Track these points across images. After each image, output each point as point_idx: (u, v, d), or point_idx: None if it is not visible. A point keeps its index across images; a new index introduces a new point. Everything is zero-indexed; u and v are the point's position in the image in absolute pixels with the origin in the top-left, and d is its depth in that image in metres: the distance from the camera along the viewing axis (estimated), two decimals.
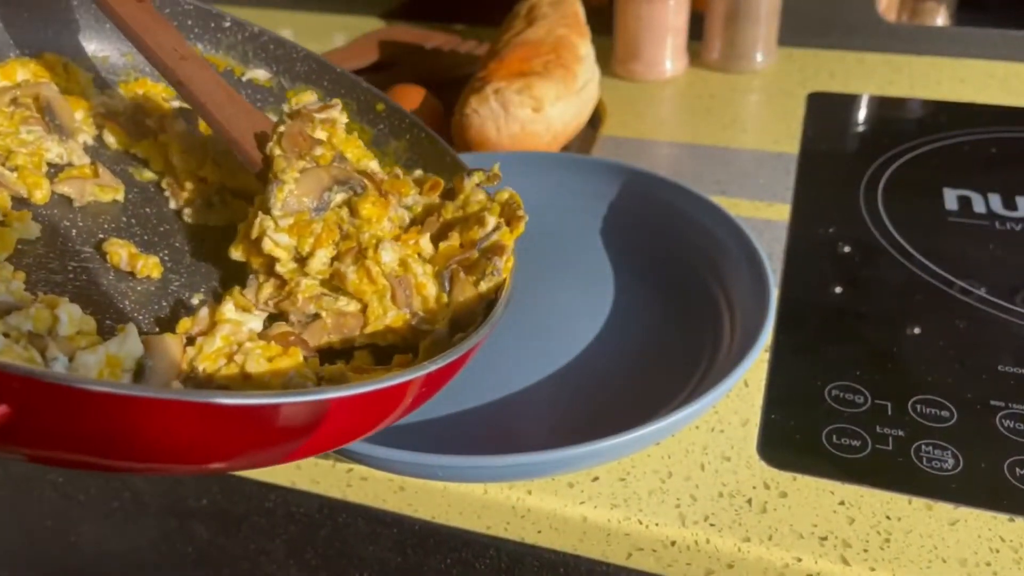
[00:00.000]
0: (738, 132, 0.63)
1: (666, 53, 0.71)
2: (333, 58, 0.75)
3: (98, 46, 0.44)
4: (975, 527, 0.33)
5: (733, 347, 0.39)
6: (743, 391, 0.40)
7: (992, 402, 0.38)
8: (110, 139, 0.41)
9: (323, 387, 0.30)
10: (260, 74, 0.46)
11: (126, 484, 0.49)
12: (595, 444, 0.32)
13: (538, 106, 0.55)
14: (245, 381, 0.31)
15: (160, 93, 0.44)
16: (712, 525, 0.34)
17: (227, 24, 0.46)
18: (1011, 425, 0.37)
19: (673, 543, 0.34)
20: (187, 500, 0.47)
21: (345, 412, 0.27)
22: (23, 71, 0.41)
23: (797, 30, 0.75)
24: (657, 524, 0.34)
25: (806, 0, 0.74)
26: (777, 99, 0.68)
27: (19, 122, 0.39)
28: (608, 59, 0.72)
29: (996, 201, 0.53)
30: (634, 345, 0.42)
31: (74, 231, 0.37)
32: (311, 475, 0.39)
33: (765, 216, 0.53)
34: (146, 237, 0.38)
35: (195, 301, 0.36)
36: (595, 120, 0.66)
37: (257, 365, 0.32)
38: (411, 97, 0.59)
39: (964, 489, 0.34)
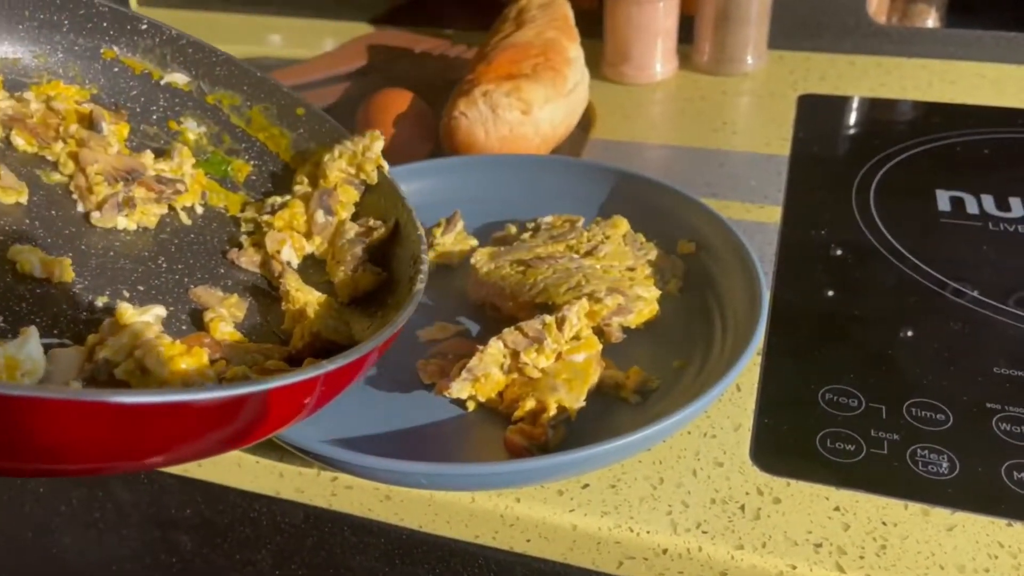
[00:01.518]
0: (729, 134, 0.63)
1: (656, 56, 0.70)
2: (322, 63, 0.75)
3: (9, 48, 0.43)
4: (972, 532, 0.32)
5: (725, 350, 0.39)
6: (735, 395, 0.39)
7: (988, 405, 0.38)
8: (18, 141, 0.41)
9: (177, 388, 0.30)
10: (179, 78, 0.46)
11: (108, 494, 0.48)
12: (584, 450, 0.32)
13: (527, 109, 0.55)
14: (143, 376, 0.31)
15: (73, 96, 0.43)
16: (705, 532, 0.33)
17: (144, 27, 0.45)
18: (1008, 428, 0.36)
19: (665, 551, 0.33)
20: (170, 510, 0.46)
21: (209, 413, 0.26)
22: None
23: (787, 32, 0.74)
24: (648, 532, 0.33)
25: (796, 3, 0.73)
26: (768, 101, 0.67)
27: None
28: (598, 62, 0.72)
29: (989, 202, 0.53)
30: (624, 348, 0.41)
31: None
32: (295, 484, 0.39)
33: (756, 218, 0.52)
34: (50, 240, 0.37)
35: (99, 304, 0.35)
36: (585, 123, 0.66)
37: (156, 362, 0.31)
38: (399, 101, 0.59)
39: (961, 494, 0.34)
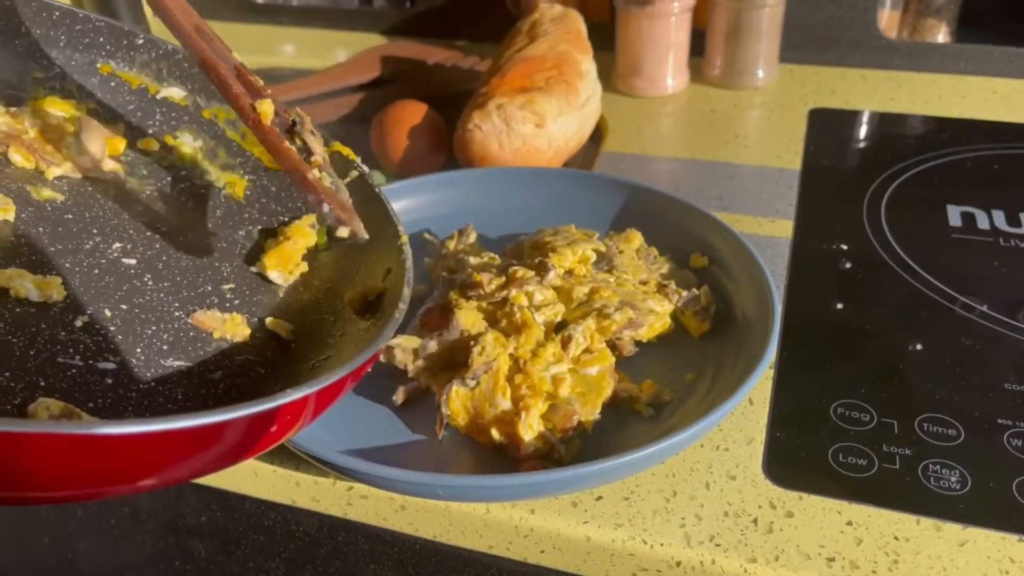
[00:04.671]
0: (740, 148, 0.63)
1: (667, 69, 0.71)
2: (335, 74, 0.75)
3: (6, 63, 0.43)
4: (985, 548, 0.32)
5: (737, 364, 0.39)
6: (748, 409, 0.40)
7: (999, 420, 0.38)
8: (16, 158, 0.40)
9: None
10: (175, 92, 0.46)
11: (124, 501, 0.48)
12: (599, 463, 0.32)
13: (540, 121, 0.55)
14: None
15: (70, 111, 0.44)
16: (718, 545, 0.33)
17: (140, 41, 0.45)
18: (1019, 444, 0.37)
19: (678, 563, 0.33)
20: (186, 517, 0.47)
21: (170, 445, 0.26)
22: None
23: (798, 47, 0.75)
24: (662, 544, 0.34)
25: (807, 17, 0.74)
26: (778, 115, 0.68)
27: None
28: (610, 75, 0.72)
29: (1000, 217, 0.53)
30: (637, 361, 0.42)
31: None
32: (311, 493, 0.39)
33: (768, 232, 0.53)
34: (34, 257, 0.36)
35: (79, 323, 0.35)
36: (597, 136, 0.66)
37: None
38: (413, 112, 0.59)
39: (973, 509, 0.34)
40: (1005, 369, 0.41)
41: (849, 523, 0.34)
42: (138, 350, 0.35)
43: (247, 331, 0.38)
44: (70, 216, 0.40)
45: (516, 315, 0.40)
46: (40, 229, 0.38)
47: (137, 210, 0.42)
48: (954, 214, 0.54)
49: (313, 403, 0.30)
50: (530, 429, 0.36)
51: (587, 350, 0.40)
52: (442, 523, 0.37)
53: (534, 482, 0.33)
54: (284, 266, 0.41)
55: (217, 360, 0.36)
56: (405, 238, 0.40)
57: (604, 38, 0.71)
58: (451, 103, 0.64)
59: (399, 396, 0.40)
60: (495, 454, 0.37)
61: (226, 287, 0.40)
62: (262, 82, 0.40)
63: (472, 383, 0.37)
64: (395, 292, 0.37)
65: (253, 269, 0.42)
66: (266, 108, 0.37)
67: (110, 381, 0.33)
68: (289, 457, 0.39)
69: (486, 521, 0.36)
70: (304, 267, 0.42)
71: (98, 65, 0.45)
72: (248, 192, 0.46)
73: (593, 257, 0.45)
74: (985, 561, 0.32)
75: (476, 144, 0.56)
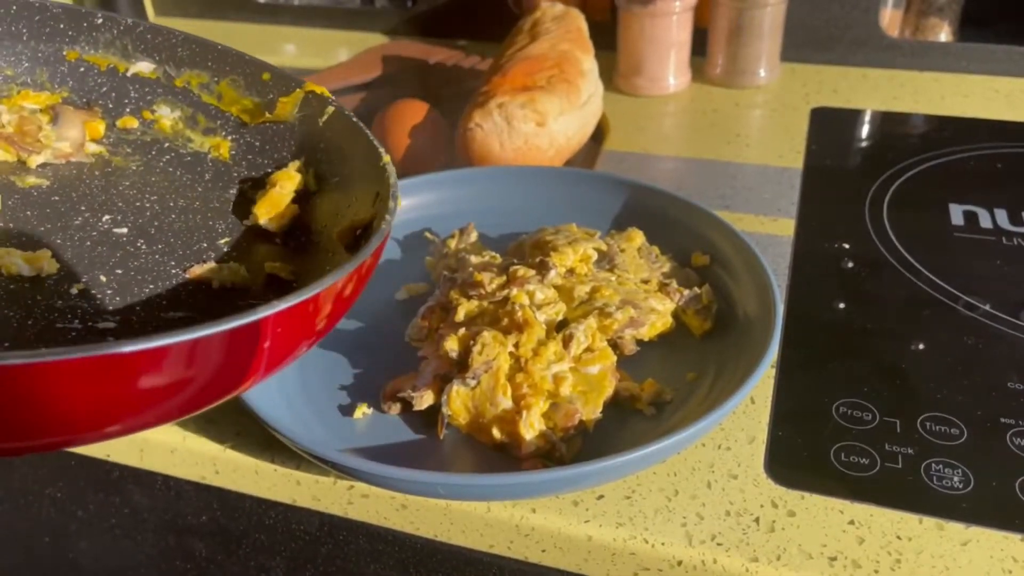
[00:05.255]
0: (742, 147, 0.63)
1: (669, 68, 0.71)
2: (337, 73, 0.75)
3: None
4: (987, 547, 0.32)
5: (739, 363, 0.39)
6: (749, 408, 0.40)
7: (1002, 420, 0.38)
8: None
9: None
10: (144, 67, 0.46)
11: (125, 500, 0.48)
12: (600, 462, 0.32)
13: (542, 120, 0.55)
14: None
15: (45, 102, 0.44)
16: (719, 544, 0.33)
17: (99, 21, 0.45)
18: (1022, 443, 0.36)
19: (680, 563, 0.33)
20: (186, 517, 0.47)
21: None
22: None
23: (800, 46, 0.75)
24: (663, 543, 0.34)
25: (809, 16, 0.74)
26: (780, 114, 0.68)
27: None
28: (611, 74, 0.72)
29: (1002, 216, 0.53)
30: (638, 360, 0.42)
31: None
32: (312, 492, 0.39)
33: (770, 231, 0.52)
34: (24, 239, 0.37)
35: (74, 291, 0.35)
36: (598, 135, 0.66)
37: None
38: (414, 111, 0.59)
39: (975, 508, 0.34)
40: (1008, 368, 0.41)
41: (851, 522, 0.34)
42: (137, 308, 0.35)
43: (247, 276, 0.38)
44: (57, 198, 0.40)
45: (517, 314, 0.40)
46: (28, 213, 0.39)
47: (125, 184, 0.42)
48: (956, 213, 0.53)
49: (313, 310, 0.30)
50: (531, 428, 0.36)
51: (588, 349, 0.40)
52: (443, 522, 0.37)
53: (535, 481, 0.32)
54: (275, 210, 0.41)
55: (221, 308, 0.36)
56: (387, 158, 0.39)
57: (605, 37, 0.71)
58: (452, 102, 0.64)
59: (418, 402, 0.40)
60: (496, 453, 0.37)
61: (222, 241, 0.40)
62: None
63: (472, 382, 0.37)
64: (382, 210, 0.37)
65: (247, 222, 0.42)
66: None
67: (112, 340, 0.33)
68: (290, 456, 0.39)
69: (487, 520, 0.36)
70: (295, 209, 0.42)
71: (64, 53, 0.46)
72: (233, 152, 0.46)
73: (594, 256, 0.45)
74: (988, 560, 0.32)
75: (477, 143, 0.56)
